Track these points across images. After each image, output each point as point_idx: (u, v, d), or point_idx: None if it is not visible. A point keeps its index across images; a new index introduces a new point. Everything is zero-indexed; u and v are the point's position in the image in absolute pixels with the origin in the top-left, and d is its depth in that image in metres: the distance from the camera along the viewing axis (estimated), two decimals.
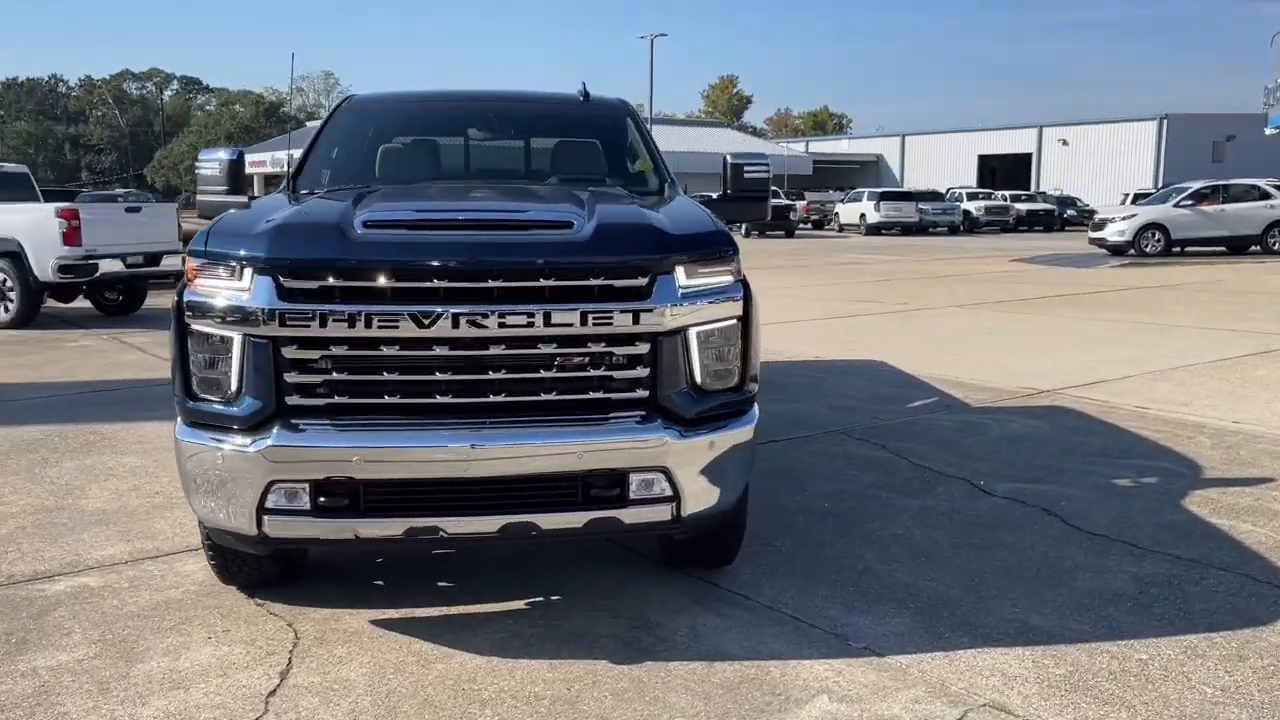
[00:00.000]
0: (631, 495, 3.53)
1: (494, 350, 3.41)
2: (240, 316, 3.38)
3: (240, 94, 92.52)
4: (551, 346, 3.44)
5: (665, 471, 3.52)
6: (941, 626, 3.81)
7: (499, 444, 3.39)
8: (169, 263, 13.16)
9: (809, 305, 14.61)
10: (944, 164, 66.60)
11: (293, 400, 3.43)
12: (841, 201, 46.20)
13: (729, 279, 3.68)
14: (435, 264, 3.36)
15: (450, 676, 3.45)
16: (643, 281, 3.47)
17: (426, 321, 3.33)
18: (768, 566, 4.41)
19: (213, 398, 3.48)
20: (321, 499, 3.42)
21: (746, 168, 5.04)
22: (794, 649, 3.64)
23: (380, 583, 4.29)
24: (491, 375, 3.44)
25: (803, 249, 31.27)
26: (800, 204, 45.65)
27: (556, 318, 3.39)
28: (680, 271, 3.53)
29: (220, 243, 3.50)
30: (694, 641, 3.71)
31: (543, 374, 3.46)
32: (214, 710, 3.23)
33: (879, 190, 44.06)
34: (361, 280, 3.37)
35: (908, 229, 41.89)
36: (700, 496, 3.62)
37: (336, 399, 3.43)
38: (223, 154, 4.84)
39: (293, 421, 3.42)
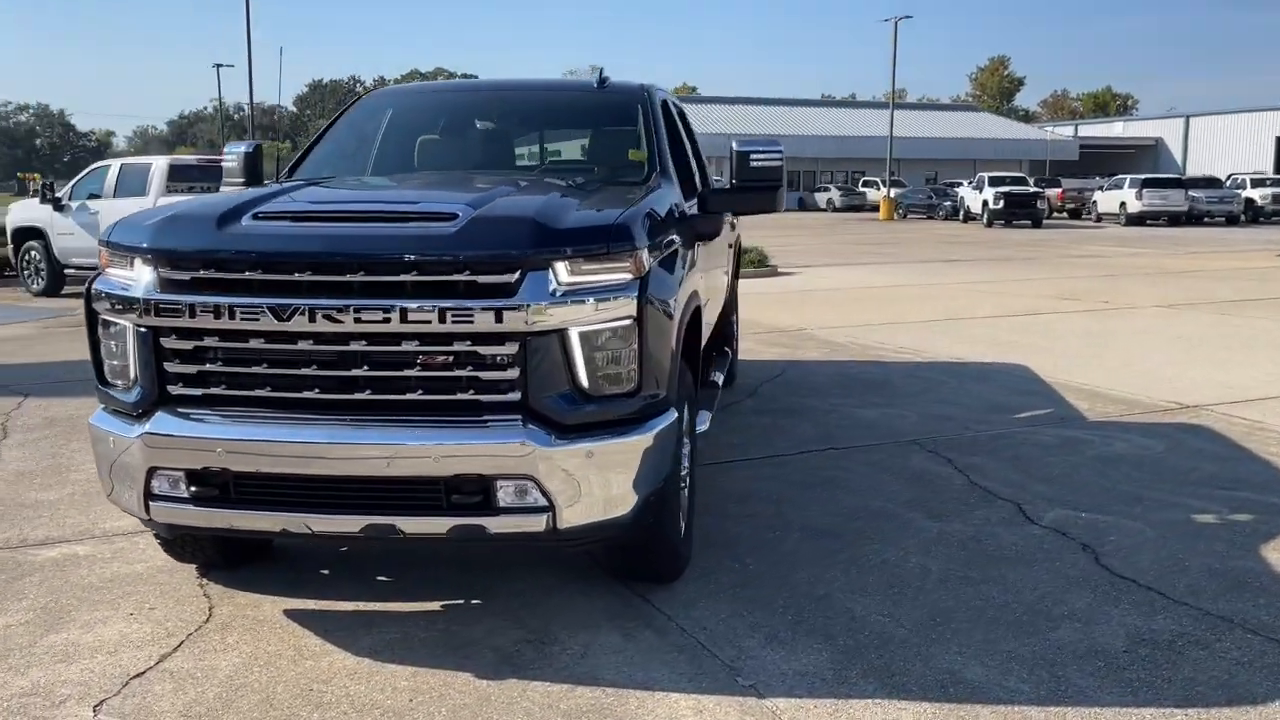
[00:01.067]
0: (500, 503, 3.35)
1: (355, 346, 3.32)
2: (128, 306, 3.46)
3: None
4: (414, 344, 3.31)
5: (533, 480, 3.31)
6: (854, 671, 3.40)
7: (358, 442, 3.31)
8: None
9: (994, 301, 13.63)
10: (1235, 147, 60.55)
11: (175, 390, 3.48)
12: (1100, 189, 42.88)
13: (623, 277, 3.41)
14: (296, 257, 3.31)
15: (310, 675, 3.40)
16: (510, 278, 3.27)
17: (285, 315, 3.29)
18: (719, 585, 4.10)
19: (116, 384, 3.59)
20: (195, 488, 3.45)
21: (754, 155, 4.70)
22: (673, 679, 3.35)
23: (325, 572, 4.32)
24: (355, 372, 3.35)
25: (1044, 240, 29.28)
26: (1053, 192, 42.78)
27: (415, 314, 3.25)
28: (559, 268, 3.31)
29: (121, 232, 3.60)
30: (576, 661, 3.49)
31: (406, 373, 3.34)
32: (74, 687, 3.34)
33: (1142, 177, 40.52)
34: (228, 272, 3.37)
35: (1175, 219, 38.36)
36: (581, 508, 3.39)
37: (211, 390, 3.45)
38: (242, 147, 5.01)
39: (171, 410, 3.47)
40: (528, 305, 3.25)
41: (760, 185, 4.73)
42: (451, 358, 3.31)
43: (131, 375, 3.52)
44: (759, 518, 4.88)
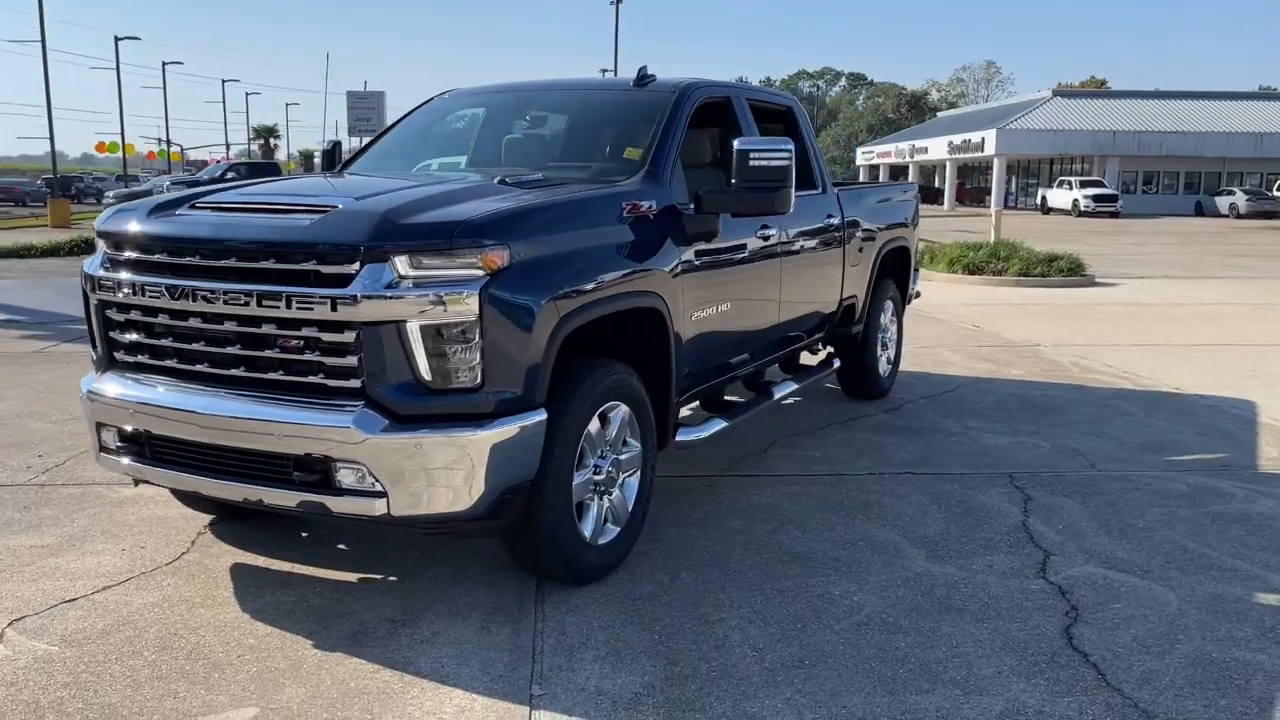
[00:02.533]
0: (341, 484, 3.52)
1: (228, 326, 3.61)
2: (88, 281, 3.99)
3: (886, 86, 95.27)
4: (272, 327, 3.54)
5: (364, 465, 3.45)
6: (654, 700, 3.22)
7: (227, 415, 3.60)
8: None
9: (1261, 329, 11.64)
10: None
11: (118, 355, 3.96)
12: None
13: (467, 273, 3.43)
14: (189, 243, 3.66)
15: (189, 622, 3.75)
16: (350, 268, 3.42)
17: (176, 294, 3.64)
18: (627, 594, 4.00)
19: (95, 350, 4.16)
20: (123, 443, 3.92)
21: (754, 154, 4.50)
22: (474, 678, 3.36)
23: (304, 534, 4.67)
24: (229, 350, 3.65)
25: None
26: None
27: (269, 299, 3.49)
28: (399, 261, 3.40)
29: (103, 217, 4.14)
30: (410, 646, 3.58)
31: (267, 353, 3.58)
32: (17, 601, 3.90)
33: None
34: (144, 254, 3.78)
35: None
36: (414, 498, 3.47)
37: (138, 358, 3.90)
38: (328, 143, 5.53)
39: (108, 373, 3.96)
40: (365, 296, 3.37)
41: (760, 185, 4.50)
42: (302, 342, 3.51)
43: (94, 342, 4.05)
44: (744, 535, 4.66)
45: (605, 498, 4.14)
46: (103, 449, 3.99)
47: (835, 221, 6.23)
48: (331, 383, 3.51)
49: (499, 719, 3.11)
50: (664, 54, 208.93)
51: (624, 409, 4.16)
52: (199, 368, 3.72)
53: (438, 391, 3.45)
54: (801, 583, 4.13)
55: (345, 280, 3.40)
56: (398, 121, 5.68)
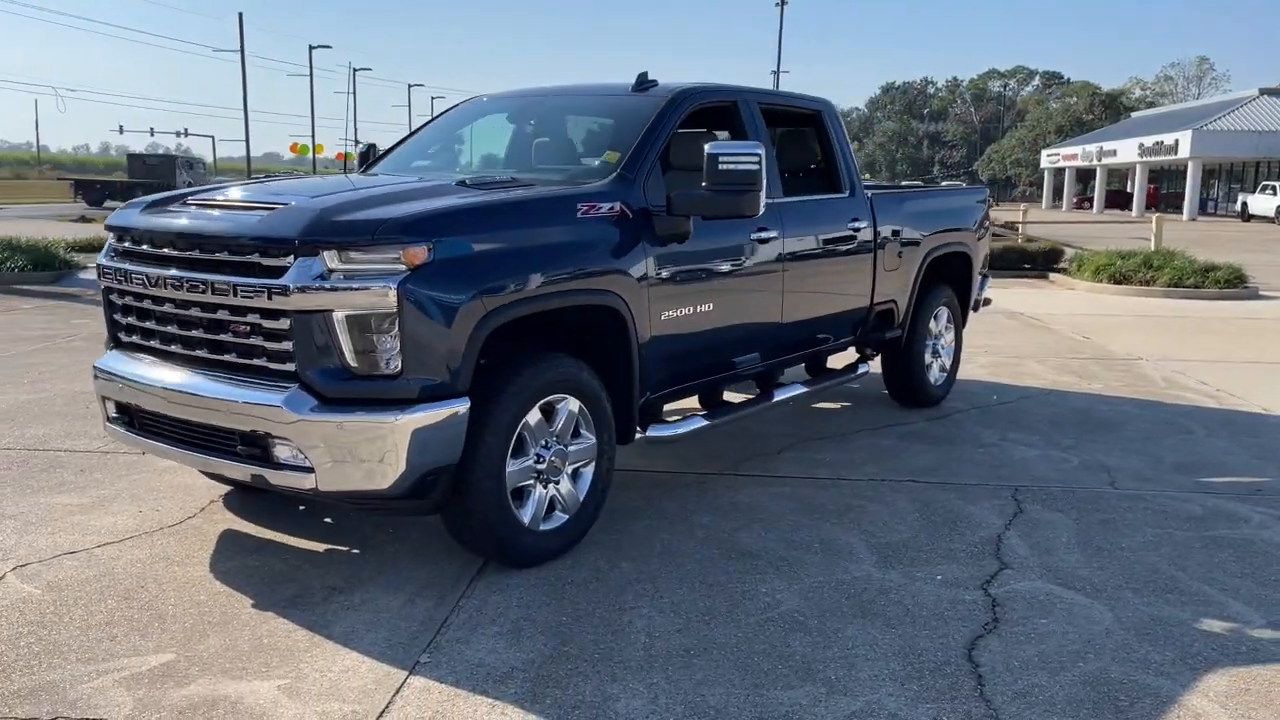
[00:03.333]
0: (278, 459, 3.85)
1: (194, 311, 4.01)
2: (98, 269, 4.48)
3: (1079, 85, 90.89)
4: (225, 313, 3.92)
5: (291, 442, 3.78)
6: (523, 676, 3.40)
7: (190, 391, 4.01)
8: None
9: None
10: None
11: (121, 336, 4.44)
12: None
13: (390, 267, 3.69)
14: (165, 237, 4.08)
15: (161, 577, 4.16)
16: (285, 261, 3.74)
17: (153, 282, 4.06)
18: (558, 579, 4.19)
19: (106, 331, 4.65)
20: (119, 415, 4.39)
21: (723, 158, 4.61)
22: (370, 643, 3.60)
23: (301, 508, 5.05)
24: (193, 333, 4.05)
25: None
26: None
27: (220, 287, 3.87)
28: (327, 255, 3.70)
29: (113, 214, 4.62)
30: (333, 611, 3.85)
31: (220, 337, 3.96)
32: (30, 550, 4.41)
33: None
34: (135, 245, 4.23)
35: None
36: (336, 475, 3.77)
37: (133, 338, 4.36)
38: (363, 145, 5.96)
39: (112, 352, 4.44)
40: (297, 286, 3.69)
41: (728, 189, 4.61)
42: (248, 328, 3.86)
43: (106, 322, 4.54)
44: (707, 531, 4.77)
45: (551, 486, 4.32)
46: (107, 419, 4.47)
47: (861, 225, 6.21)
48: (272, 365, 3.84)
49: (376, 680, 3.35)
50: (844, 52, 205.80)
51: (573, 402, 4.34)
52: (173, 348, 4.13)
53: (362, 377, 3.73)
54: (735, 579, 4.21)
55: (281, 272, 3.72)
56: (427, 123, 6.02)
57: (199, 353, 4.03)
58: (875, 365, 7.15)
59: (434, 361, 3.76)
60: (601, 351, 4.55)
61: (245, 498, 5.07)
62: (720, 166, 4.59)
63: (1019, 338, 10.92)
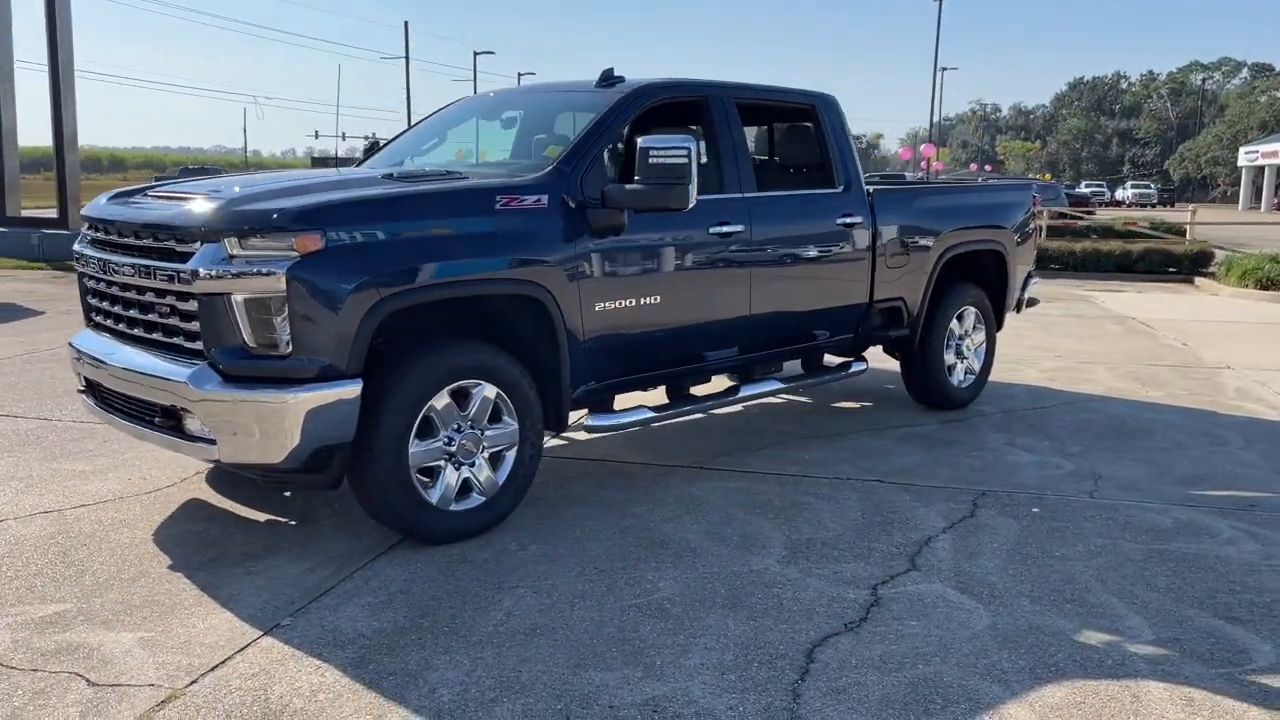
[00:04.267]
0: (189, 431, 4.18)
1: (131, 294, 4.39)
2: (74, 254, 4.92)
3: None
4: (151, 295, 4.27)
5: (197, 415, 4.09)
6: (367, 642, 3.60)
7: (123, 365, 4.38)
8: None
9: None
10: None
11: (93, 316, 4.87)
12: None
13: (282, 254, 3.93)
14: (113, 225, 4.47)
15: (111, 539, 4.52)
16: (192, 247, 4.06)
17: (103, 266, 4.47)
18: (456, 555, 4.33)
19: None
20: (86, 388, 4.82)
21: (653, 152, 4.69)
22: (242, 604, 3.82)
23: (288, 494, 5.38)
24: (131, 313, 4.42)
25: None
26: None
27: (144, 271, 4.22)
28: (228, 243, 3.99)
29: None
30: (227, 576, 4.11)
31: (148, 317, 4.31)
32: (12, 509, 4.91)
33: None
34: (95, 233, 4.64)
35: None
36: (234, 446, 4.05)
37: (93, 317, 4.78)
38: (369, 139, 6.30)
39: (84, 330, 4.87)
40: (202, 270, 3.99)
41: (659, 182, 4.68)
42: (168, 308, 4.20)
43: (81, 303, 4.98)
44: (636, 520, 4.83)
45: (465, 468, 4.49)
46: (79, 390, 4.91)
47: (855, 220, 6.12)
48: (187, 344, 4.16)
49: (230, 638, 3.59)
50: (1026, 46, 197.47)
51: (489, 388, 4.49)
52: (119, 327, 4.51)
53: (259, 356, 4.00)
54: (630, 565, 4.28)
55: (190, 258, 4.03)
56: (425, 118, 6.29)
57: (135, 331, 4.39)
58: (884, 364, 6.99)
59: (322, 344, 3.98)
60: (530, 340, 4.67)
61: (225, 471, 5.43)
62: (650, 160, 4.65)
63: (1105, 343, 10.41)
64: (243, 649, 3.50)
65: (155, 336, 4.29)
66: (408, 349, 4.27)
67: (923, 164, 67.78)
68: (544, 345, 4.69)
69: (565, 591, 4.00)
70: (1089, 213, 29.32)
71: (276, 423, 3.97)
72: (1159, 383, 8.30)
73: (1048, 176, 77.69)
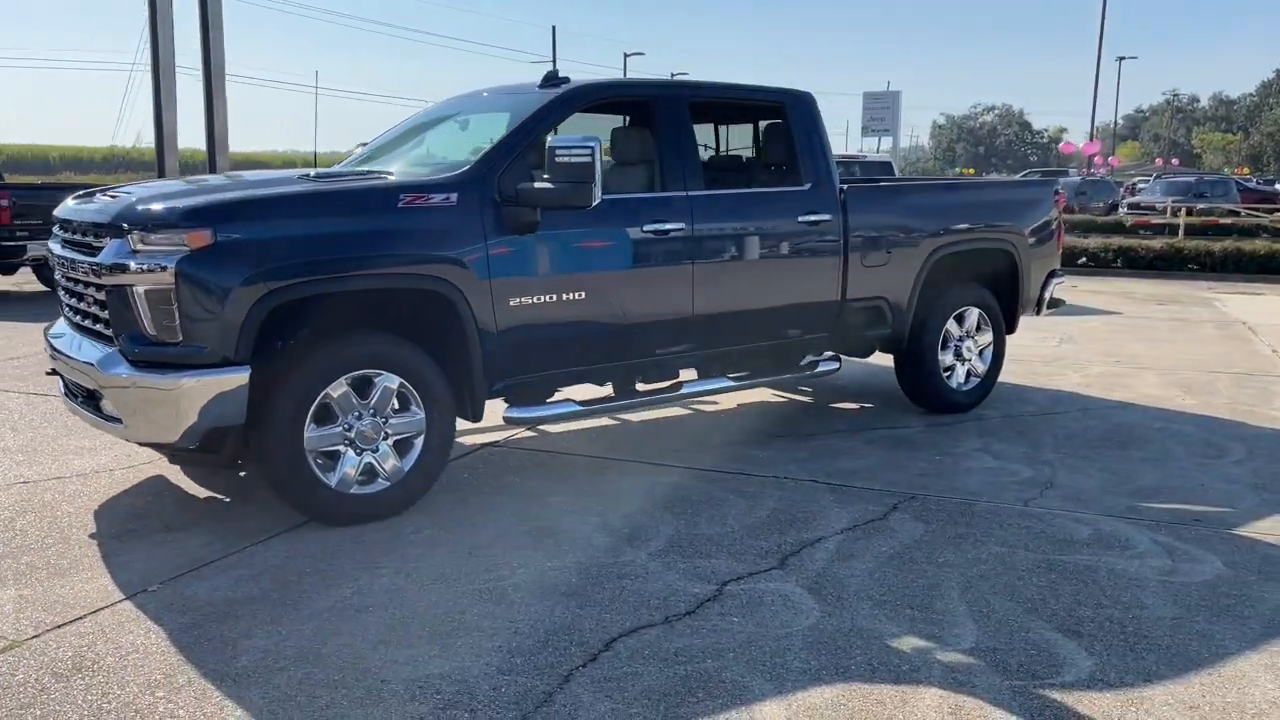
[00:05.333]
0: (104, 411, 4.57)
1: (76, 287, 4.82)
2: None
3: None
4: (80, 286, 4.69)
5: (106, 397, 4.49)
6: (212, 610, 3.88)
7: (66, 352, 4.83)
8: None
9: None
10: None
11: (63, 310, 5.37)
12: None
13: (174, 249, 4.26)
14: (64, 223, 4.93)
15: (59, 513, 5.03)
16: (103, 242, 4.46)
17: (57, 259, 4.94)
18: (352, 535, 4.56)
19: None
20: (54, 371, 5.32)
21: (559, 151, 4.83)
22: (134, 571, 4.17)
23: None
24: (70, 301, 4.86)
25: None
26: None
27: (73, 264, 4.65)
28: (131, 238, 4.36)
29: None
30: (133, 544, 4.45)
31: (80, 305, 4.74)
32: (5, 478, 5.47)
33: None
34: (55, 229, 5.12)
35: None
36: (137, 425, 4.42)
37: (61, 308, 5.26)
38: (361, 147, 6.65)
39: (58, 321, 5.37)
40: (109, 264, 4.38)
41: (565, 180, 4.81)
42: (92, 299, 4.61)
43: None
44: (541, 508, 4.96)
45: (367, 454, 4.73)
46: (47, 373, 5.40)
47: (821, 219, 6.06)
48: (105, 331, 4.55)
49: (97, 600, 3.92)
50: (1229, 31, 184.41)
51: (392, 378, 4.72)
52: (75, 317, 4.96)
53: (158, 343, 4.34)
54: (503, 552, 4.41)
55: (93, 251, 4.43)
56: (403, 121, 6.58)
57: (79, 320, 4.82)
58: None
59: (210, 333, 4.29)
60: (441, 334, 4.88)
61: None
62: (557, 159, 4.78)
63: (1185, 347, 9.87)
64: (98, 610, 3.83)
65: (88, 325, 4.70)
66: (303, 339, 4.53)
67: (1098, 161, 64.60)
68: (455, 339, 4.87)
69: (426, 574, 4.18)
70: (1270, 211, 27.35)
71: (170, 405, 4.30)
72: (1205, 391, 7.82)
73: (1245, 171, 72.74)
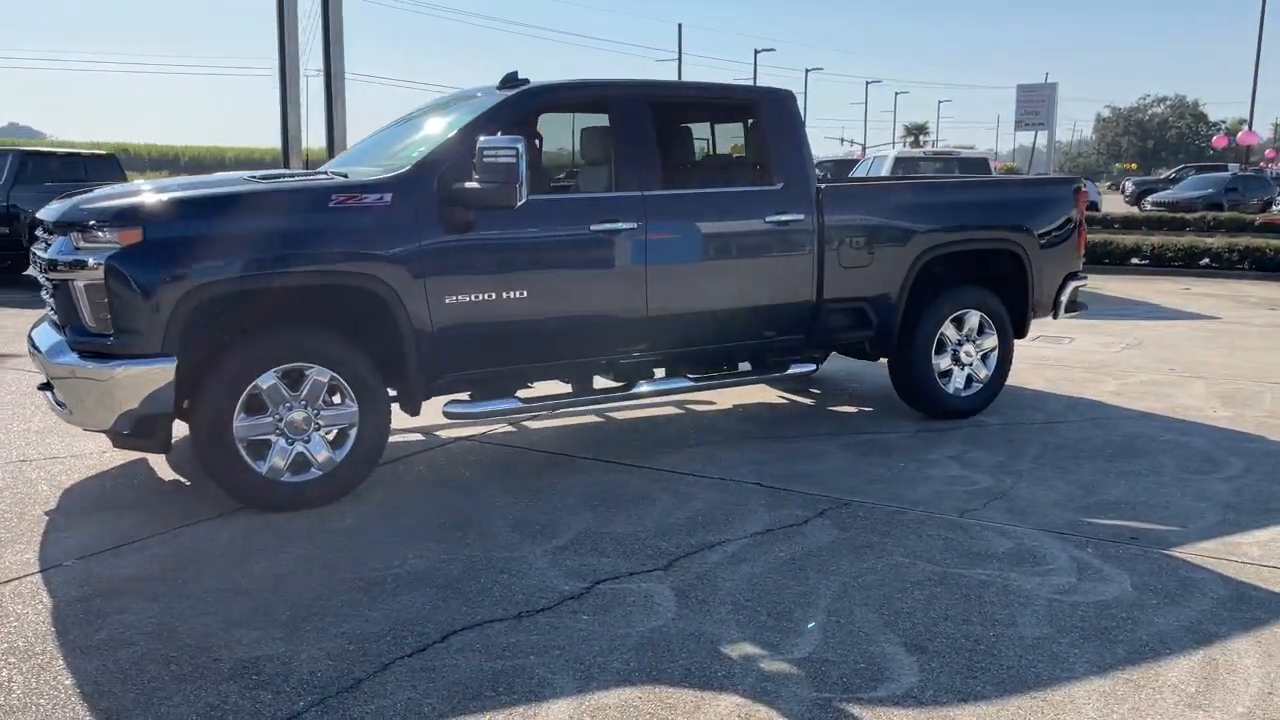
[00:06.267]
0: (56, 398, 4.91)
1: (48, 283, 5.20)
2: None
3: None
4: (44, 282, 5.06)
5: (54, 385, 4.83)
6: (104, 585, 4.15)
7: (34, 346, 5.20)
8: None
9: None
10: None
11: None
12: None
13: (106, 247, 4.54)
14: (40, 223, 5.30)
15: (39, 483, 5.42)
16: (54, 239, 4.79)
17: (37, 259, 5.33)
18: (277, 521, 4.80)
19: None
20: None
21: (486, 152, 4.93)
22: (61, 546, 4.47)
23: None
24: (44, 297, 5.24)
25: None
26: None
27: (39, 262, 5.02)
28: (74, 236, 4.67)
29: None
30: (75, 525, 4.78)
31: (49, 299, 5.10)
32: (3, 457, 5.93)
33: None
34: (37, 229, 5.51)
35: None
36: (76, 412, 4.73)
37: (46, 309, 5.65)
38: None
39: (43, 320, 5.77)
40: (54, 260, 4.72)
41: (491, 181, 4.92)
42: (49, 293, 4.96)
43: None
44: (473, 504, 5.05)
45: (299, 444, 4.94)
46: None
47: (792, 219, 5.97)
48: (60, 323, 4.89)
49: (17, 568, 4.22)
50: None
51: (324, 371, 4.91)
52: (49, 312, 5.33)
53: (96, 334, 4.64)
54: (406, 544, 4.52)
55: (49, 248, 4.76)
56: (392, 121, 6.77)
57: (50, 315, 5.19)
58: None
59: (139, 325, 4.55)
60: (376, 329, 5.05)
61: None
62: (485, 159, 4.88)
63: (1257, 356, 9.30)
64: (8, 581, 4.13)
65: (52, 319, 5.05)
66: (234, 332, 4.76)
67: (1270, 153, 60.58)
68: (390, 335, 5.02)
69: (316, 561, 4.34)
70: None
71: (103, 393, 4.59)
72: (1245, 403, 7.35)
73: None
